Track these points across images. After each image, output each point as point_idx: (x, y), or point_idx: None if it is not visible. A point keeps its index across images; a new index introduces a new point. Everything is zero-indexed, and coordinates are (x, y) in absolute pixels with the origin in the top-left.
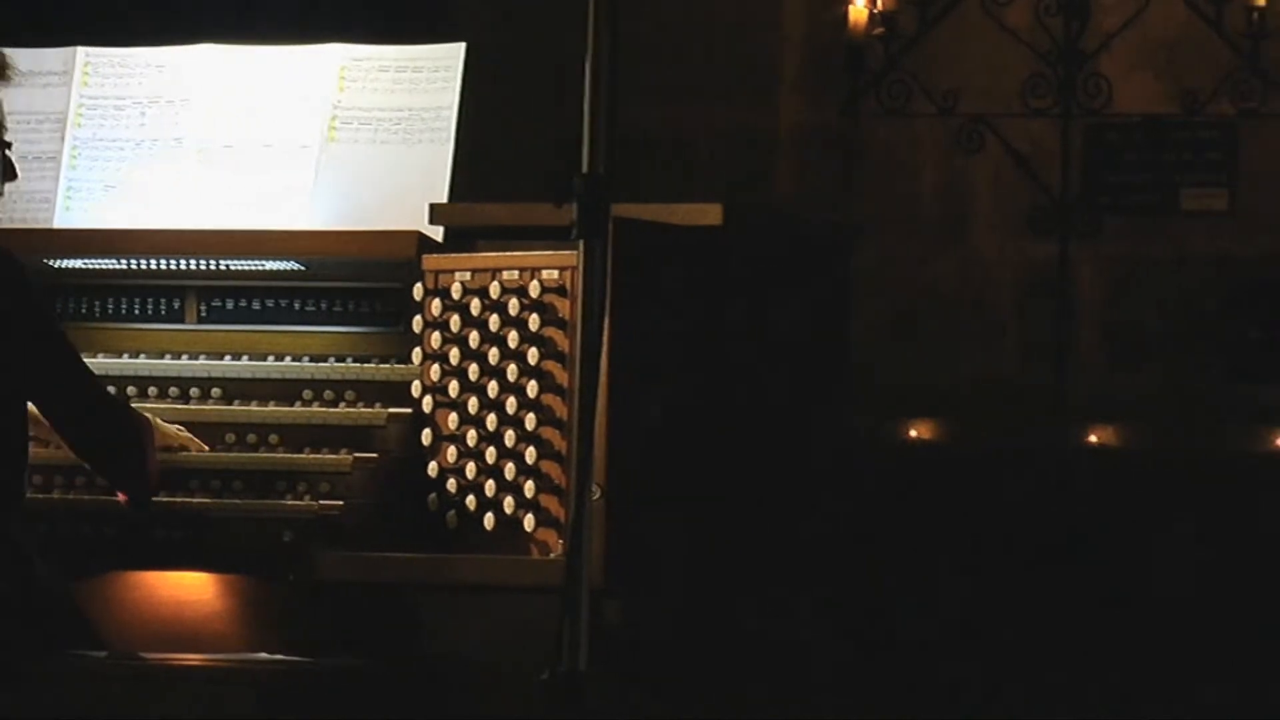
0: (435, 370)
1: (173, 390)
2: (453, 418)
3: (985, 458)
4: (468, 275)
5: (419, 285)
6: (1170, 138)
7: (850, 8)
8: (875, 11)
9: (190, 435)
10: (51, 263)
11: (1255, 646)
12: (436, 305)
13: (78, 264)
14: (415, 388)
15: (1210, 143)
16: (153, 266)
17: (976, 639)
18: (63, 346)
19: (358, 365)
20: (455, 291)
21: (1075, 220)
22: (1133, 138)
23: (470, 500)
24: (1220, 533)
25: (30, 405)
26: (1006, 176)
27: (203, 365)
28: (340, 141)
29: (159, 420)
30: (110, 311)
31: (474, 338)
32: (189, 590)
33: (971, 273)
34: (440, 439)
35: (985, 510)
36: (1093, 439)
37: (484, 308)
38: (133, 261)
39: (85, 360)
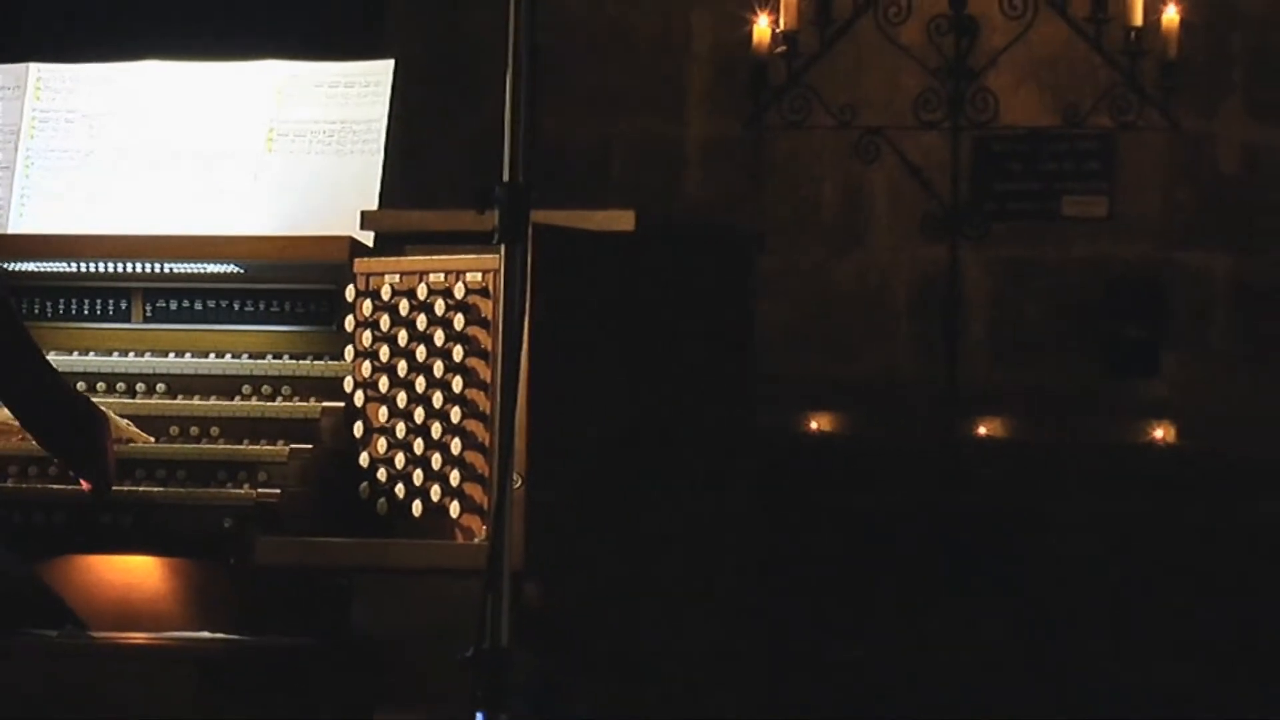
0: (366, 367)
1: (120, 386)
2: (383, 411)
3: (882, 447)
4: (397, 278)
5: (351, 287)
6: (1053, 148)
7: (754, 27)
8: (778, 31)
9: (136, 429)
10: (6, 266)
11: (1133, 624)
12: (367, 306)
13: (31, 267)
14: (347, 383)
15: (1090, 153)
16: (101, 269)
17: (869, 619)
18: (30, 346)
19: (293, 362)
20: (385, 293)
21: (964, 225)
22: (1018, 148)
23: (399, 489)
24: (1100, 518)
25: None
26: (901, 185)
27: (148, 362)
28: (277, 152)
29: (111, 414)
30: (61, 312)
31: (402, 336)
32: (135, 573)
33: (868, 274)
34: (371, 431)
35: (880, 496)
36: (981, 430)
37: (412, 308)
38: (82, 265)
39: None
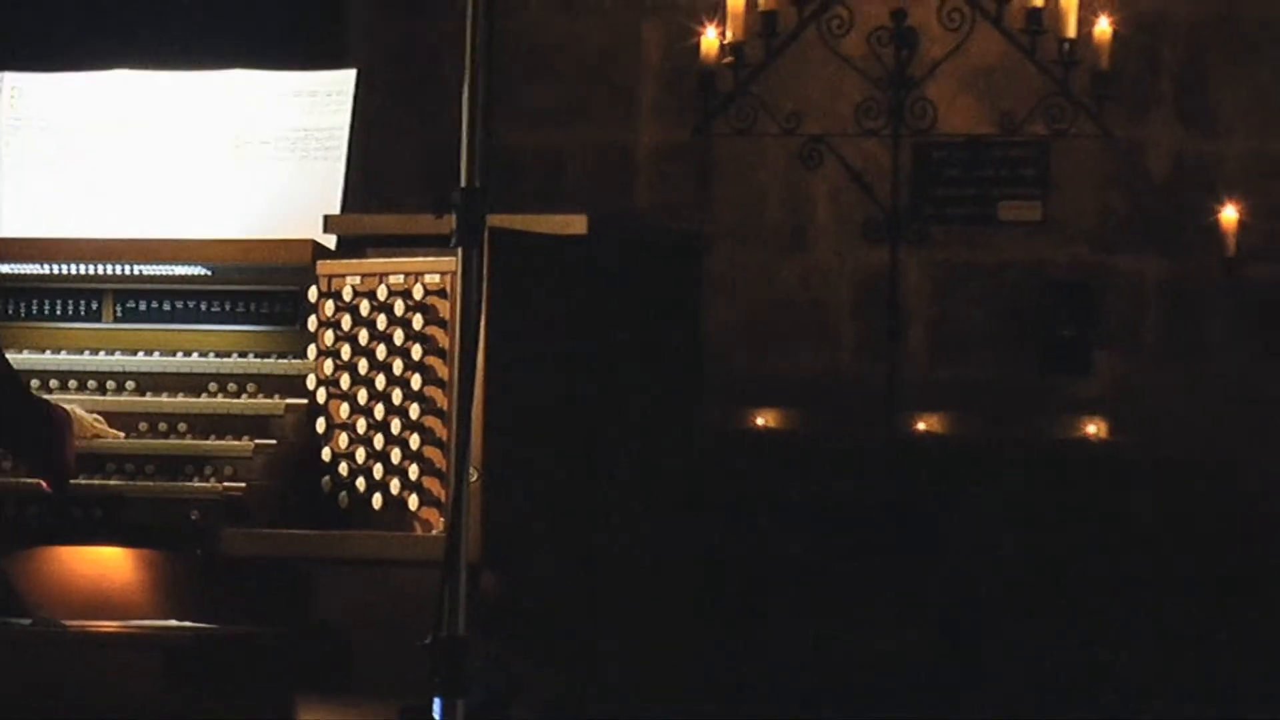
0: (328, 365)
1: (91, 383)
2: (344, 408)
3: (825, 442)
4: (358, 279)
5: (314, 288)
6: (989, 155)
7: (702, 38)
8: (725, 42)
9: (106, 425)
10: None
11: (1065, 609)
12: (329, 306)
13: (5, 269)
14: (310, 380)
15: (1025, 160)
16: (74, 271)
17: (812, 606)
18: None
19: (258, 360)
20: (346, 294)
21: (904, 229)
22: (956, 155)
23: (360, 482)
24: (1034, 508)
25: None
26: (843, 190)
27: (118, 360)
28: (243, 159)
29: (78, 410)
30: (35, 312)
31: (363, 335)
32: (105, 564)
33: (812, 276)
34: (333, 427)
35: (823, 488)
36: (920, 426)
37: (372, 308)
38: (55, 267)
39: (10, 356)
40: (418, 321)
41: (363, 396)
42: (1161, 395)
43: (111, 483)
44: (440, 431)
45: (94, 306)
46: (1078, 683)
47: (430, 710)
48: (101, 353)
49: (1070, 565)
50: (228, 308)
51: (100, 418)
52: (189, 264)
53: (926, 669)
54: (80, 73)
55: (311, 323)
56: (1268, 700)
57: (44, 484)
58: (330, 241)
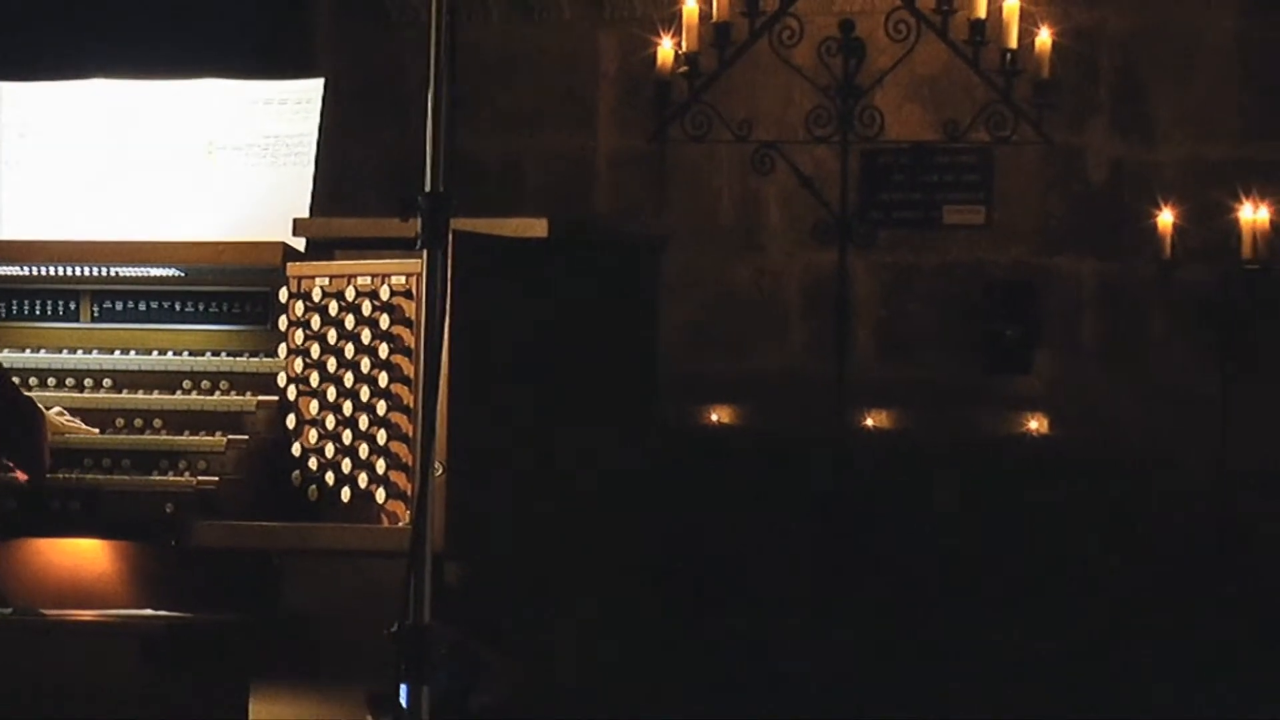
0: (298, 363)
1: (69, 381)
2: (313, 404)
3: (776, 437)
4: (326, 280)
5: (284, 289)
6: (934, 161)
7: (658, 49)
8: (680, 52)
9: (79, 423)
10: None
11: (1005, 598)
12: (299, 307)
13: None
14: (281, 378)
15: (969, 166)
16: (52, 273)
17: (762, 596)
18: None
19: (230, 359)
20: (315, 295)
21: (853, 233)
22: (902, 161)
23: (329, 476)
24: (977, 501)
25: None
26: (793, 195)
27: (95, 359)
28: (216, 164)
29: (47, 412)
30: (15, 312)
31: (332, 335)
32: (83, 555)
33: (764, 277)
34: (303, 423)
35: (776, 481)
36: (868, 422)
37: (340, 309)
38: (35, 268)
39: None
40: (384, 321)
41: (331, 393)
42: (1099, 393)
43: (89, 477)
44: (406, 427)
45: (72, 307)
46: (1019, 669)
47: (396, 696)
48: (79, 351)
49: (1011, 556)
50: (201, 308)
51: (73, 417)
52: (164, 265)
53: (874, 657)
54: (59, 81)
55: (282, 322)
56: (1200, 684)
57: (21, 476)
58: (300, 244)
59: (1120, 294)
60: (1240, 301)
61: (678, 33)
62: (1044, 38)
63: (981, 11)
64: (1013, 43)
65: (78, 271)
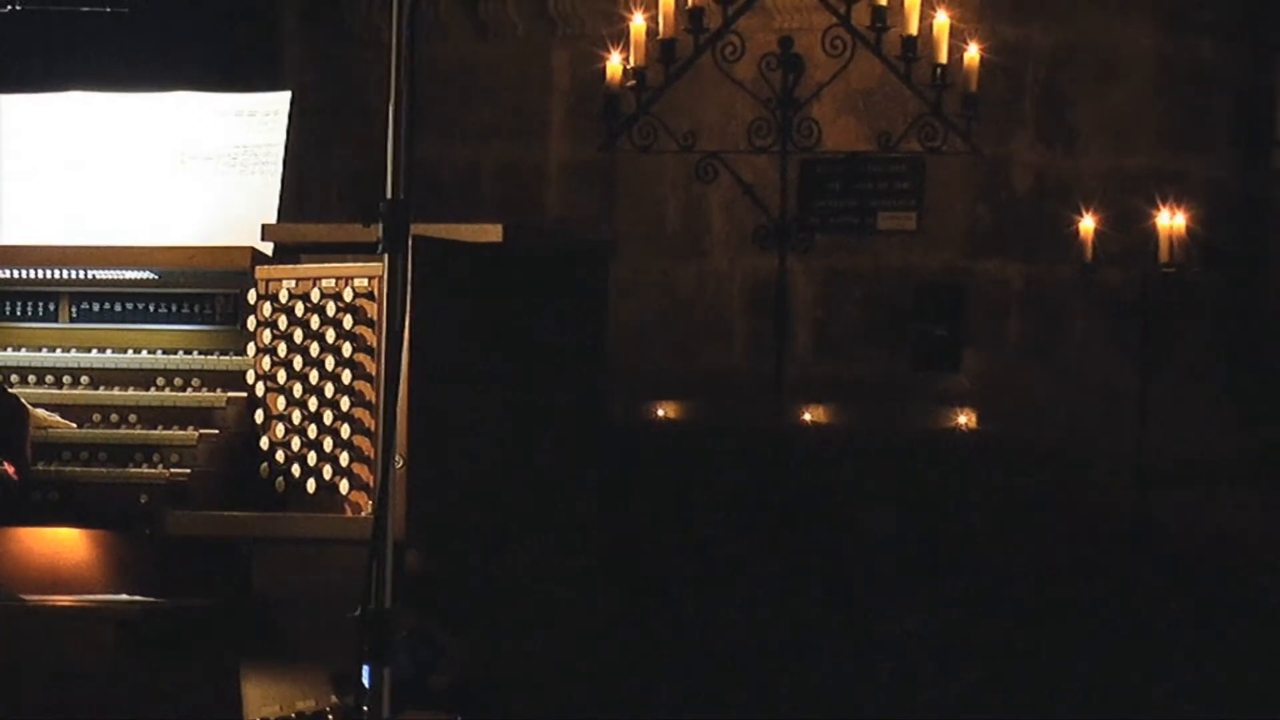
0: (266, 361)
1: (49, 378)
2: (280, 400)
3: (719, 431)
4: (293, 283)
5: (253, 291)
6: (868, 170)
7: (607, 64)
8: (628, 67)
9: (58, 418)
10: None
11: (934, 577)
12: (267, 308)
13: None
14: (249, 375)
15: (901, 175)
16: (33, 276)
17: (708, 579)
18: None
19: (202, 357)
20: (282, 296)
21: (791, 238)
22: (838, 170)
23: (295, 469)
24: (907, 490)
25: None
26: (735, 202)
27: (74, 357)
28: (189, 173)
29: (30, 406)
30: None
31: (298, 334)
32: (61, 544)
33: (707, 280)
34: (270, 418)
35: (718, 473)
36: (806, 416)
37: (306, 309)
38: (15, 271)
39: None
40: (348, 322)
41: (297, 390)
42: (1024, 388)
43: (67, 469)
44: (368, 422)
45: (51, 308)
46: (947, 648)
47: (359, 676)
48: (59, 350)
49: (939, 542)
50: (174, 309)
51: (49, 412)
52: (138, 269)
53: (812, 637)
54: (39, 93)
55: (250, 323)
56: (1118, 666)
57: (8, 467)
58: (268, 248)
59: (1044, 295)
60: (1157, 302)
61: (626, 49)
62: (972, 54)
63: (913, 29)
64: (943, 58)
65: (57, 274)
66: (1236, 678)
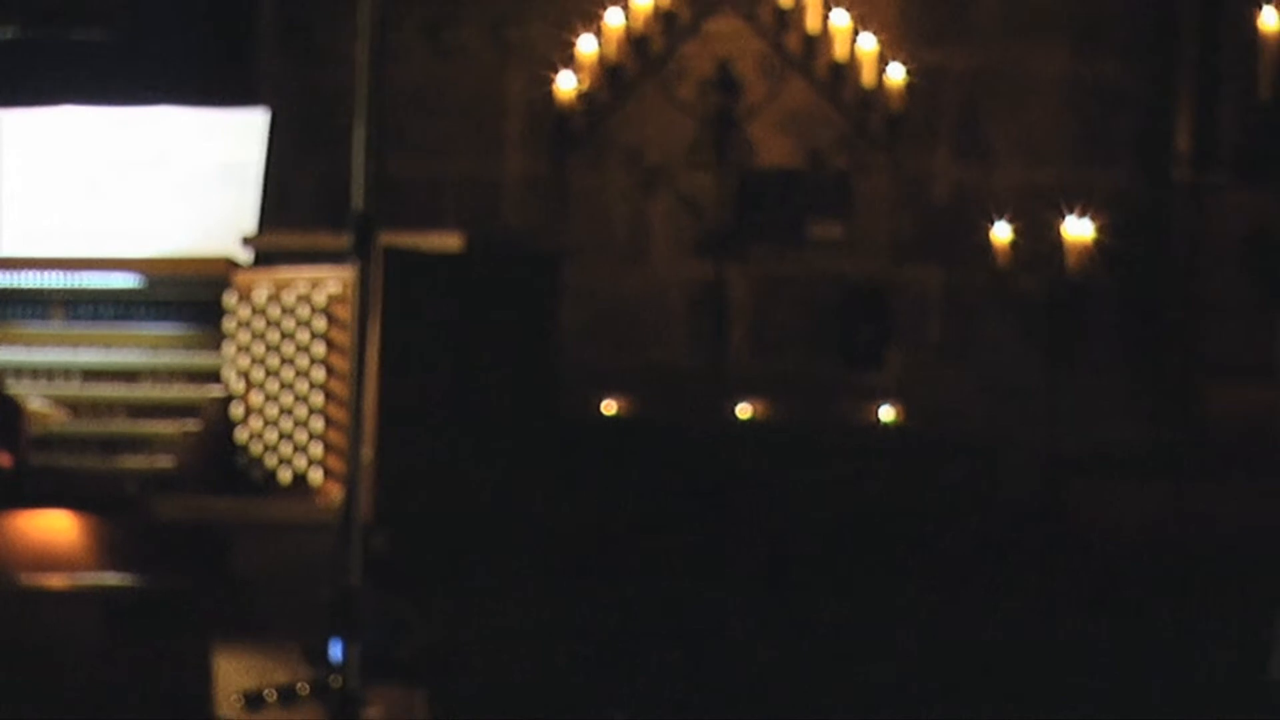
0: (244, 360)
1: (44, 376)
2: (257, 396)
3: (661, 424)
4: (269, 287)
5: (233, 295)
6: (800, 185)
7: (559, 87)
8: (578, 89)
9: (52, 409)
10: None
11: (861, 565)
12: (245, 310)
13: None
14: (229, 373)
15: (830, 189)
16: (29, 285)
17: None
18: None
19: (184, 356)
20: (260, 300)
21: (729, 247)
22: (772, 185)
23: (271, 459)
24: (836, 481)
25: None
26: (677, 214)
27: (66, 357)
28: (173, 184)
29: (27, 401)
30: None
31: (274, 335)
32: (55, 528)
33: (651, 286)
34: (248, 413)
35: (662, 464)
36: (741, 409)
37: (281, 312)
38: (14, 279)
39: None
40: (320, 323)
41: (273, 387)
42: (943, 387)
43: (60, 461)
44: (339, 416)
45: (46, 311)
46: (878, 628)
47: (329, 649)
48: (53, 350)
49: (866, 529)
50: (159, 312)
51: (46, 406)
52: (126, 276)
53: (750, 622)
54: (33, 108)
55: (230, 324)
56: (1027, 640)
57: (5, 461)
58: (247, 255)
59: (961, 300)
60: (1065, 306)
61: (576, 71)
62: (895, 77)
63: (840, 55)
64: (868, 81)
65: (51, 281)
66: (1134, 649)
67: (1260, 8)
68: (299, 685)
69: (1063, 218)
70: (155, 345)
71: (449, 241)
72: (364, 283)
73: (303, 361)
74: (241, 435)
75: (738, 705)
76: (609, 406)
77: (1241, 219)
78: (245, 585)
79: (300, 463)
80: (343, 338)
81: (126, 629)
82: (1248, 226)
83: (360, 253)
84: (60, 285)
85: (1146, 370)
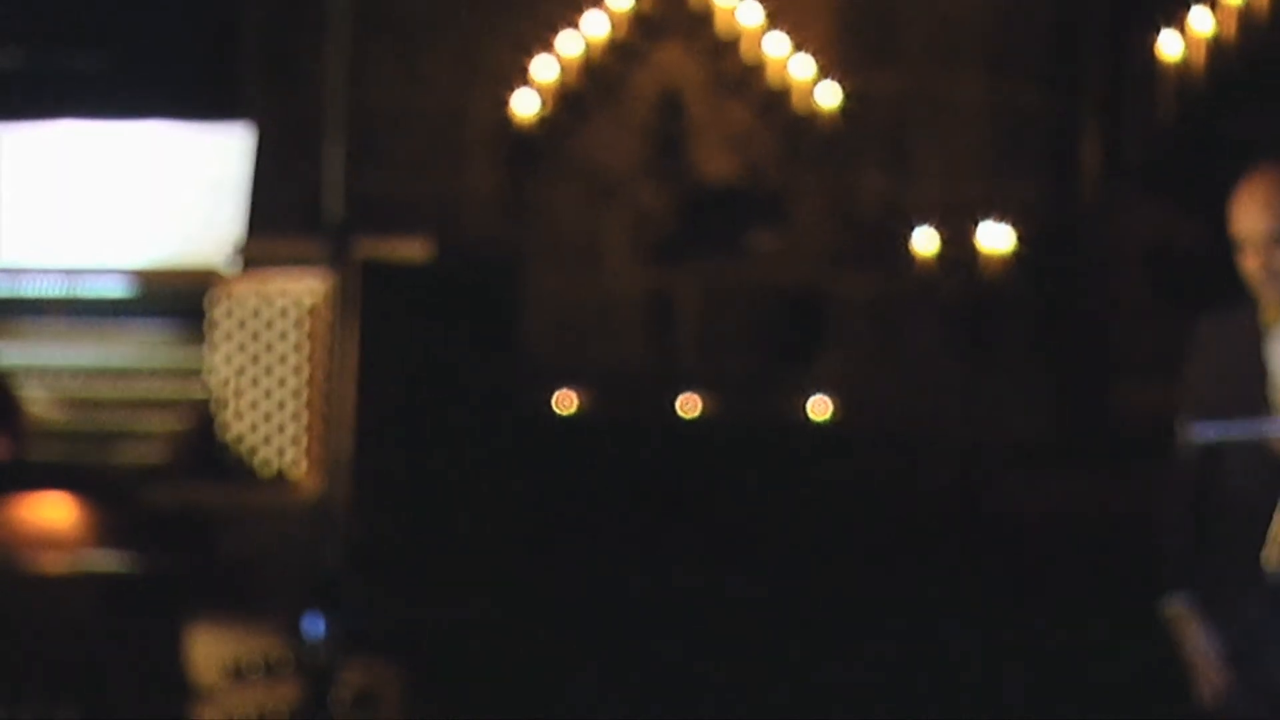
0: (234, 360)
1: (45, 376)
2: (245, 393)
3: (616, 419)
4: (255, 292)
5: (221, 300)
6: (742, 199)
7: (518, 107)
8: (537, 110)
9: (53, 408)
10: None
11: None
12: (233, 314)
13: None
14: (218, 373)
15: (769, 204)
16: (30, 294)
17: (603, 550)
18: None
19: (176, 356)
20: (246, 304)
21: (677, 256)
22: (715, 199)
23: (254, 453)
24: (774, 472)
25: None
26: (629, 226)
27: (65, 359)
28: (163, 195)
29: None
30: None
31: (260, 336)
32: (55, 515)
33: (606, 293)
34: (234, 410)
35: (615, 452)
36: (688, 409)
37: (265, 317)
38: (16, 285)
39: None
40: (300, 327)
41: (257, 385)
42: (871, 386)
43: (59, 455)
44: (318, 413)
45: (46, 316)
46: (788, 612)
47: (310, 626)
48: (53, 350)
49: (800, 513)
50: (152, 316)
51: (47, 402)
52: (119, 283)
53: (692, 600)
54: (30, 122)
55: (219, 326)
56: (945, 624)
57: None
58: (234, 262)
59: (888, 305)
60: (984, 311)
61: (534, 93)
62: (828, 100)
63: (778, 81)
64: (802, 105)
65: (51, 288)
66: (1048, 631)
67: (1158, 34)
68: (281, 661)
69: (981, 229)
70: (149, 347)
71: (419, 251)
72: (341, 289)
73: (284, 363)
74: (227, 430)
75: (679, 682)
76: (566, 403)
77: (1146, 230)
78: (233, 567)
79: (282, 456)
80: (321, 340)
81: (122, 607)
82: (1152, 237)
83: (337, 261)
84: (56, 293)
85: (1058, 369)
